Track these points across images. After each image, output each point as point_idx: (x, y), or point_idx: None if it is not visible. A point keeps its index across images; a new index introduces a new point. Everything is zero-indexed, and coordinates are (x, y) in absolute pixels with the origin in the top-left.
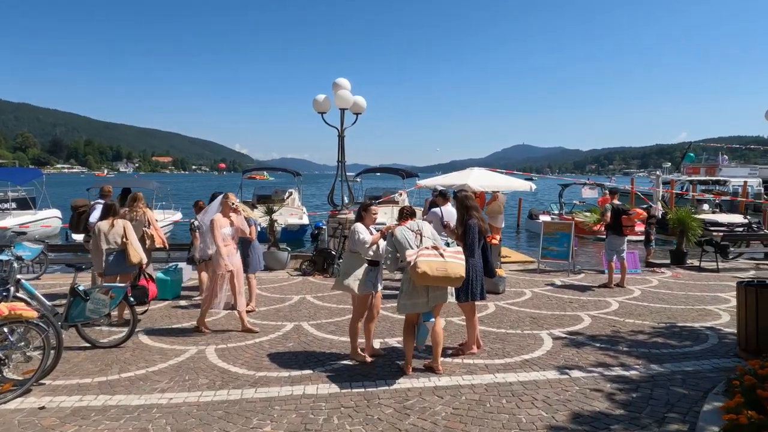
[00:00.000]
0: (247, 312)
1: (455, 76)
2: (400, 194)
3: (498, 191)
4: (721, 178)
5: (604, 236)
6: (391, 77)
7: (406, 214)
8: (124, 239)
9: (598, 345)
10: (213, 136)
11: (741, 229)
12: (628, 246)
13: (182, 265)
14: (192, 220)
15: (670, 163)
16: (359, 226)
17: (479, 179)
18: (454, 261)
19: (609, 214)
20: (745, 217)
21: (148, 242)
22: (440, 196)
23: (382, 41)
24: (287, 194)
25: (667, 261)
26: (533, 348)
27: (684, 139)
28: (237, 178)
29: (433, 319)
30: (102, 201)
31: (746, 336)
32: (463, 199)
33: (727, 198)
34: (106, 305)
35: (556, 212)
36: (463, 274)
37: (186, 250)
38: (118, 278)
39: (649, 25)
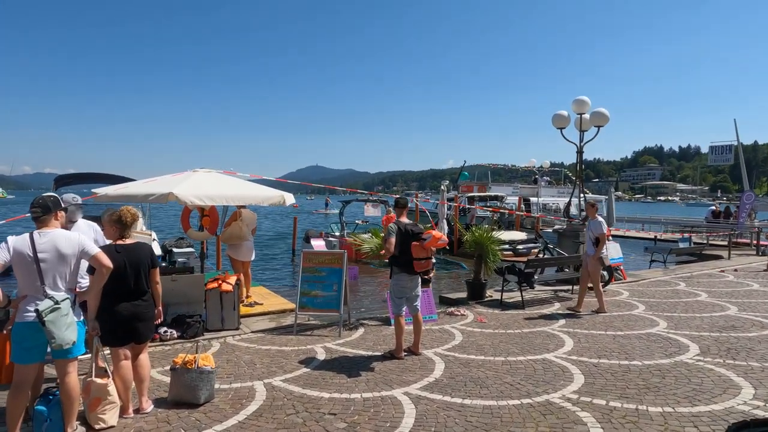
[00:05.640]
0: None
1: (252, 94)
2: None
3: (242, 206)
4: (499, 194)
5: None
6: (179, 90)
7: None
8: None
9: None
10: None
11: (525, 246)
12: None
13: None
14: None
15: (448, 181)
16: None
17: (197, 187)
18: None
19: (393, 239)
20: (539, 236)
21: None
22: (109, 218)
23: (173, 51)
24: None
25: (464, 294)
26: None
27: (451, 165)
28: None
29: None
30: None
31: None
32: None
33: (516, 213)
34: None
35: (337, 233)
36: None
37: None
38: None
39: (422, 63)
